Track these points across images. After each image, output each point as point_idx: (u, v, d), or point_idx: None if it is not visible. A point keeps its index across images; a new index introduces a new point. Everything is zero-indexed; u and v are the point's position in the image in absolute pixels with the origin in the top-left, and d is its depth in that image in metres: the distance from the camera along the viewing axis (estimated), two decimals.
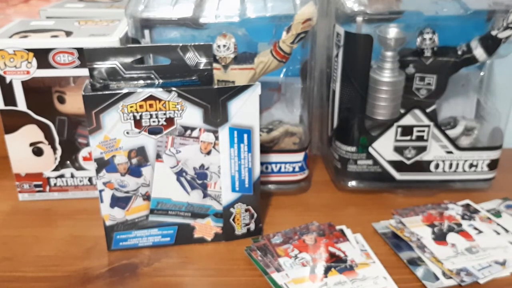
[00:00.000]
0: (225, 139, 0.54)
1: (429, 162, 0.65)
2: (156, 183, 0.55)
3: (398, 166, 0.65)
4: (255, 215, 0.58)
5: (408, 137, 0.64)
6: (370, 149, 0.65)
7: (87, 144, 0.64)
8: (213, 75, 0.52)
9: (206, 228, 0.58)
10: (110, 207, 0.55)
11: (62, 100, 0.62)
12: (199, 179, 0.55)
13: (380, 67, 0.61)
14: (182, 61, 0.51)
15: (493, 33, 0.60)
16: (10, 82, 0.59)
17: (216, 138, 0.53)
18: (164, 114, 0.52)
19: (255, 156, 0.55)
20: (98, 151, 0.52)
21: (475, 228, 0.59)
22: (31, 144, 0.63)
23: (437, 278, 0.52)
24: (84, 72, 0.55)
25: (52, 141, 0.63)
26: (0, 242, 0.58)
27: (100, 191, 0.54)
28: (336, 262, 0.54)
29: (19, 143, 0.63)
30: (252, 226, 0.59)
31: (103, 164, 0.53)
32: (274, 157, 0.65)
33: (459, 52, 0.62)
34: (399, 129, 0.63)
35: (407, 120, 0.63)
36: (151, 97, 0.51)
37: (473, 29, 0.62)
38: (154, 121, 0.52)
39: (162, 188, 0.55)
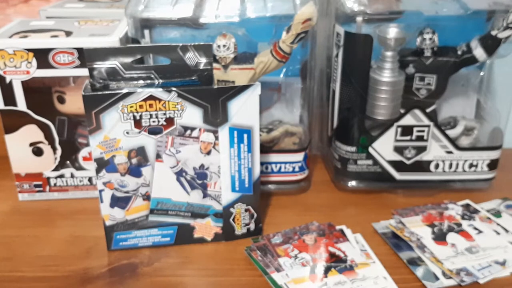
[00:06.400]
0: (225, 139, 0.54)
1: (429, 162, 0.65)
2: (156, 183, 0.55)
3: (398, 166, 0.65)
4: (255, 215, 0.58)
5: (408, 137, 0.64)
6: (370, 149, 0.65)
7: (87, 144, 0.64)
8: (213, 75, 0.52)
9: (206, 228, 0.58)
10: (110, 207, 0.55)
11: (62, 100, 0.62)
12: (199, 179, 0.55)
13: (380, 67, 0.61)
14: (182, 61, 0.51)
15: (493, 33, 0.60)
16: (10, 82, 0.59)
17: (216, 138, 0.53)
18: (164, 114, 0.52)
19: (255, 156, 0.55)
20: (98, 151, 0.52)
21: (475, 228, 0.59)
22: (31, 144, 0.63)
23: (437, 278, 0.52)
24: (84, 72, 0.55)
25: (52, 141, 0.63)
26: (0, 242, 0.58)
27: (100, 191, 0.54)
28: (336, 262, 0.54)
29: (19, 143, 0.63)
30: (252, 226, 0.59)
31: (103, 164, 0.53)
32: (274, 157, 0.65)
33: (459, 52, 0.62)
34: (399, 129, 0.63)
35: (407, 120, 0.63)
36: (151, 97, 0.51)
37: (473, 29, 0.62)
38: (154, 121, 0.52)
39: (162, 188, 0.55)
